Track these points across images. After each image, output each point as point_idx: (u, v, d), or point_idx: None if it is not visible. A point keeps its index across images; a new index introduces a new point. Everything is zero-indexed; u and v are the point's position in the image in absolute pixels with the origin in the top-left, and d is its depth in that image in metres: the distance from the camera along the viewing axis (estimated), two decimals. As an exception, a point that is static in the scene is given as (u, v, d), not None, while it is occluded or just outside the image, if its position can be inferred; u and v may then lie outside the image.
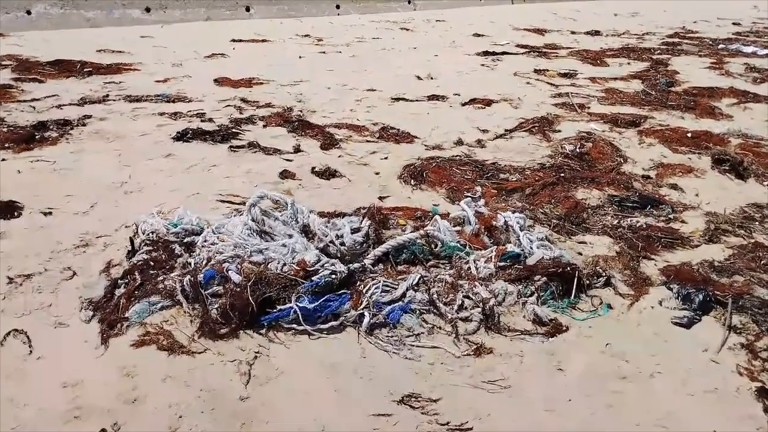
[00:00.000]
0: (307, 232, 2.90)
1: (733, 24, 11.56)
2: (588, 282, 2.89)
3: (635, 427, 2.09)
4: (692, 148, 4.70)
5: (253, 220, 2.77)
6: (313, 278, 2.57)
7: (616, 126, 5.25)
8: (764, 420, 2.11)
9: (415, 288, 2.69)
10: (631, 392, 2.25)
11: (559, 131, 5.15)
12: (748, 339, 2.51)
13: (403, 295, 2.63)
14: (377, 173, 4.20)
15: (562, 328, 2.60)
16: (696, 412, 2.15)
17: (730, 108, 5.81)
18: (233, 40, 8.83)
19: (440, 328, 2.55)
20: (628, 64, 7.79)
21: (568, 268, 2.83)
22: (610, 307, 2.76)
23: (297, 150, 4.50)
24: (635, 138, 4.99)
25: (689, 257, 3.18)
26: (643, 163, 4.49)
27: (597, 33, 10.33)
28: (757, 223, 3.57)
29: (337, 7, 12.59)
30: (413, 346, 2.44)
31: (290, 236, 2.77)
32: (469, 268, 2.85)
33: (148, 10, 10.96)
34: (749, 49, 8.48)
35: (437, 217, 3.18)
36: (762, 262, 3.11)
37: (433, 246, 3.00)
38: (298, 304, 2.44)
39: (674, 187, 4.09)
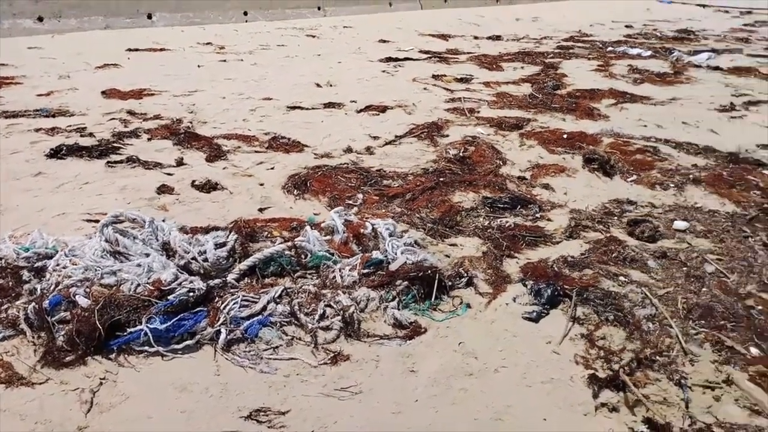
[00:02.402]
0: (167, 249, 2.86)
1: (626, 27, 12.30)
2: (450, 283, 3.01)
3: (473, 422, 2.19)
4: (567, 149, 4.98)
5: (106, 240, 2.70)
6: (168, 297, 2.54)
7: (501, 129, 5.48)
8: (592, 405, 2.27)
9: (277, 300, 2.71)
10: (475, 388, 2.36)
11: (447, 136, 5.32)
12: (588, 329, 2.69)
13: (264, 308, 2.64)
14: (261, 184, 4.19)
15: (421, 329, 2.69)
16: (532, 402, 2.29)
17: (608, 108, 6.19)
18: (129, 50, 8.55)
19: (300, 339, 2.58)
20: (522, 68, 8.13)
21: (429, 271, 2.93)
22: (468, 306, 2.88)
23: (180, 163, 4.41)
24: (517, 140, 5.23)
25: (549, 254, 3.36)
26: (521, 164, 4.71)
27: (498, 38, 10.72)
28: (615, 218, 3.83)
29: (245, 13, 12.43)
30: (270, 359, 2.45)
31: (147, 255, 2.72)
32: (335, 276, 2.90)
33: (41, 19, 10.42)
34: (635, 51, 9.06)
35: (307, 227, 3.22)
36: (613, 255, 3.33)
37: (302, 257, 3.03)
38: (148, 325, 2.40)
39: (546, 186, 4.32)
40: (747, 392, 2.27)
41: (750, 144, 5.11)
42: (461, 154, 4.80)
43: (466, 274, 3.07)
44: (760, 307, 2.83)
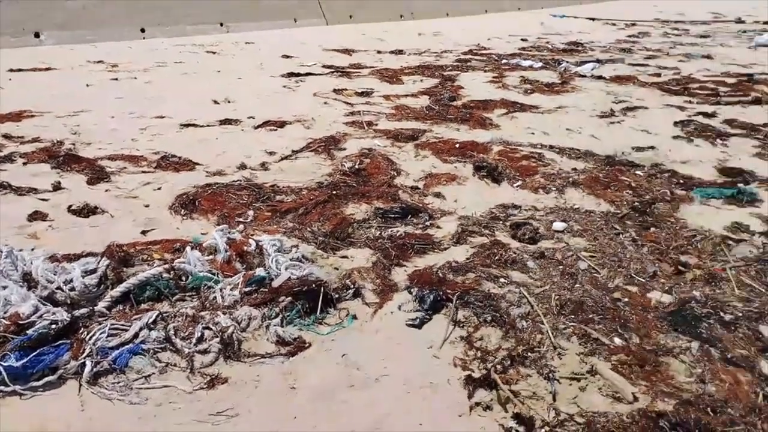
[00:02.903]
0: (29, 280, 2.67)
1: (521, 40, 12.93)
2: (337, 295, 3.01)
3: (351, 434, 2.19)
4: (459, 158, 5.13)
5: (-45, 275, 2.49)
6: (27, 332, 2.37)
7: (397, 141, 5.58)
8: (467, 406, 2.32)
9: (151, 326, 2.60)
10: (356, 400, 2.36)
11: (344, 149, 5.35)
12: (468, 331, 2.77)
13: (135, 335, 2.52)
14: (146, 206, 4.03)
15: (305, 345, 2.67)
16: (410, 409, 2.31)
17: (500, 118, 6.45)
18: (11, 70, 8.01)
19: (175, 365, 2.48)
20: (421, 81, 8.35)
21: (315, 285, 2.91)
22: (355, 317, 2.89)
23: (57, 187, 4.17)
24: (412, 151, 5.34)
25: (436, 260, 3.44)
26: (415, 174, 4.81)
27: (400, 52, 10.95)
28: (500, 222, 3.98)
29: (142, 30, 12.00)
30: (141, 388, 2.34)
31: (4, 288, 2.53)
32: (215, 297, 2.83)
33: None
34: (527, 63, 9.53)
35: (188, 248, 3.12)
36: (495, 258, 3.46)
37: (181, 279, 2.93)
38: (2, 363, 2.23)
39: (438, 195, 4.43)
40: (609, 380, 2.40)
41: (626, 147, 5.49)
42: (356, 166, 4.83)
43: (353, 286, 3.08)
44: (626, 299, 3.03)
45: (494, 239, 3.70)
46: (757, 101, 7.00)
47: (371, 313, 2.93)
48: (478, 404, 2.32)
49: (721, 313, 2.84)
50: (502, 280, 3.21)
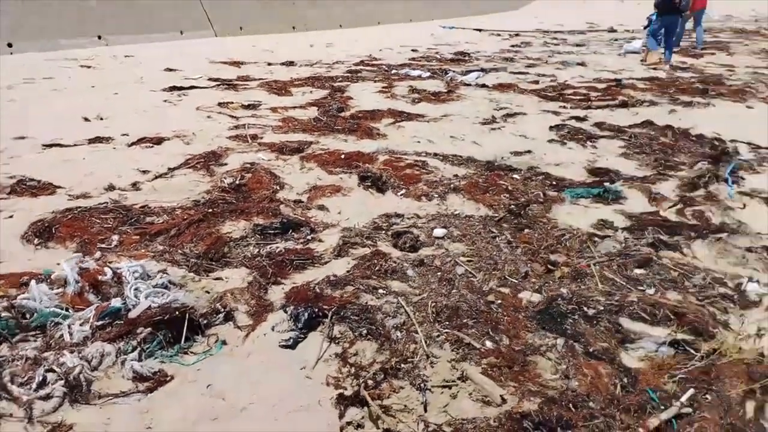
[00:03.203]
0: None
1: (412, 51, 13.20)
2: (206, 321, 2.83)
3: (210, 471, 2.04)
4: (345, 169, 5.09)
5: None
6: None
7: (282, 154, 5.45)
8: (338, 426, 2.24)
9: (-17, 374, 2.30)
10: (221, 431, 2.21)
11: (226, 164, 5.14)
12: (343, 347, 2.69)
13: (-39, 387, 2.22)
14: (-7, 237, 3.63)
15: (167, 378, 2.48)
16: (278, 435, 2.20)
17: (387, 128, 6.49)
18: None
19: (11, 415, 2.21)
20: (311, 92, 8.26)
21: (178, 313, 2.72)
22: (224, 343, 2.73)
23: None
24: (297, 164, 5.23)
25: (316, 275, 3.35)
26: (300, 187, 4.70)
27: (291, 64, 10.82)
28: (383, 232, 3.96)
29: (9, 45, 11.04)
30: (-34, 447, 2.06)
31: None
32: (62, 334, 2.56)
33: None
34: (416, 73, 9.72)
35: (32, 282, 2.82)
36: (376, 268, 3.42)
37: (25, 317, 2.64)
38: None
39: (322, 207, 4.34)
40: (479, 385, 2.41)
41: (505, 152, 5.69)
42: (237, 182, 4.65)
43: (224, 309, 2.92)
44: (499, 301, 3.08)
45: (376, 250, 3.67)
46: (623, 104, 7.54)
47: (243, 336, 2.78)
48: (349, 423, 2.25)
49: (585, 308, 2.96)
50: (380, 291, 3.17)
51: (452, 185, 4.74)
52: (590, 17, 21.65)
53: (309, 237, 3.84)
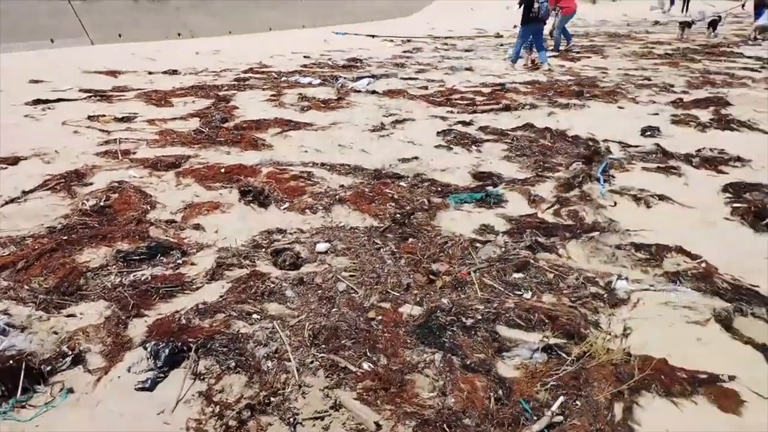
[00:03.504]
0: None
1: (305, 57, 12.99)
2: (50, 367, 2.51)
3: None
4: (225, 183, 4.82)
5: None
6: None
7: (156, 170, 5.08)
8: (197, 476, 2.03)
9: None
10: (56, 501, 1.93)
11: (91, 184, 4.71)
12: (209, 384, 2.47)
13: None
14: None
15: (-4, 441, 2.15)
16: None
17: (273, 138, 6.27)
18: None
19: None
20: (193, 102, 7.85)
21: (12, 362, 2.39)
22: (71, 391, 2.42)
23: None
24: (173, 180, 4.89)
25: (186, 303, 3.09)
26: (174, 206, 4.38)
27: (175, 72, 10.27)
28: (263, 250, 3.76)
29: None
30: None
31: None
32: None
33: None
34: (306, 80, 9.54)
35: None
36: (252, 291, 3.22)
37: None
38: None
39: (197, 227, 4.07)
40: (353, 412, 2.29)
41: (393, 159, 5.66)
42: (101, 203, 4.25)
43: (72, 351, 2.60)
44: (380, 317, 2.99)
45: (254, 270, 3.46)
46: (506, 108, 7.79)
47: (93, 381, 2.48)
48: (209, 472, 2.04)
49: (464, 319, 2.93)
50: (255, 316, 2.97)
51: (338, 196, 4.61)
52: (479, 23, 22.47)
53: (180, 261, 3.57)
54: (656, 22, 25.86)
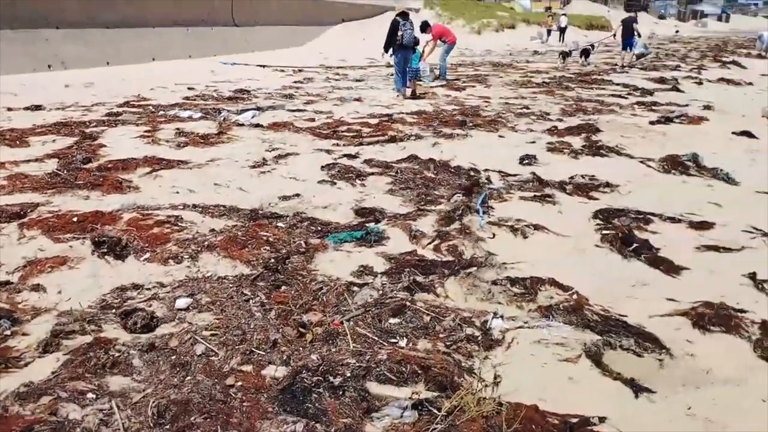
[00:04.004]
0: None
1: (189, 89, 12.43)
2: None
3: None
4: (77, 234, 4.32)
5: None
6: None
7: (-5, 222, 4.48)
8: None
9: None
10: None
11: None
12: (20, 492, 2.06)
13: None
14: None
15: None
16: None
17: (141, 178, 5.80)
18: None
19: None
20: (54, 141, 7.16)
21: None
22: None
23: None
24: (15, 233, 4.32)
25: (7, 385, 2.63)
26: (12, 264, 3.84)
27: (38, 108, 9.41)
28: (113, 311, 3.34)
29: None
30: None
31: None
32: None
33: None
34: (186, 114, 9.07)
35: None
36: (92, 363, 2.81)
37: None
38: None
39: (37, 287, 3.57)
40: None
41: (273, 197, 5.39)
42: None
43: None
44: (239, 383, 2.70)
45: (98, 337, 3.05)
46: (392, 139, 7.78)
47: None
48: None
49: (331, 378, 2.71)
50: (90, 395, 2.57)
51: (207, 242, 4.26)
52: (371, 53, 22.83)
53: (8, 331, 3.07)
54: (535, 52, 27.68)
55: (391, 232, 4.67)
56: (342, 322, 3.19)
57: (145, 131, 7.85)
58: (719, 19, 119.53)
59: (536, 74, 17.08)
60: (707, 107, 11.08)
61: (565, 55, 20.27)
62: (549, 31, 35.06)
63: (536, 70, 18.46)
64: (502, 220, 4.97)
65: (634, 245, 4.46)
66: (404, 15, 11.36)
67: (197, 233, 4.45)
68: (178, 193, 5.43)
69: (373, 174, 6.29)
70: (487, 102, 11.51)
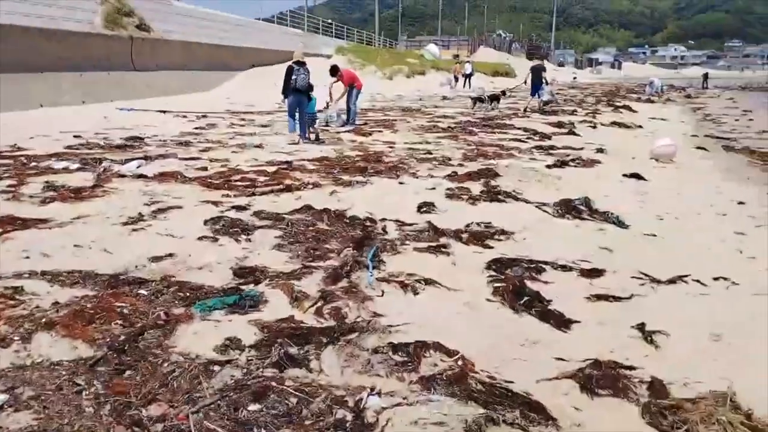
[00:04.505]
0: None
1: (75, 137, 11.51)
2: None
3: None
4: None
5: None
6: None
7: None
8: None
9: None
10: None
11: None
12: None
13: None
14: None
15: None
16: None
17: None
18: None
19: None
20: None
21: None
22: None
23: None
24: None
25: None
26: None
27: None
28: None
29: None
30: None
31: None
32: None
33: None
34: (62, 164, 8.25)
35: None
36: None
37: None
38: None
39: None
40: None
41: (143, 258, 4.83)
42: None
43: None
44: None
45: None
46: (288, 188, 7.40)
47: None
48: None
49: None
50: None
51: (45, 319, 3.65)
52: (280, 98, 22.55)
53: None
54: (444, 97, 28.55)
55: (271, 294, 4.25)
56: (188, 416, 2.71)
57: (8, 186, 7.03)
58: (612, 66, 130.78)
59: (443, 119, 17.42)
60: (600, 150, 11.57)
61: (476, 100, 21.09)
62: (457, 78, 36.46)
63: (443, 115, 18.87)
64: (392, 276, 4.68)
65: (526, 298, 4.29)
66: (299, 63, 11.52)
67: (37, 308, 3.81)
68: (28, 258, 4.75)
69: (262, 227, 5.86)
70: (391, 147, 11.44)
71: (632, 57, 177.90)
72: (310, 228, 5.87)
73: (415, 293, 4.41)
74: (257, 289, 4.30)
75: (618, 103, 25.07)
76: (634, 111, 22.52)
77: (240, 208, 6.47)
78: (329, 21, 50.00)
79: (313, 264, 4.86)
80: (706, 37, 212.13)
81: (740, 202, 7.69)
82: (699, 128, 18.90)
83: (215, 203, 6.66)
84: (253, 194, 7.12)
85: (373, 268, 4.77)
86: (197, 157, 9.66)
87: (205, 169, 8.60)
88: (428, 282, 4.56)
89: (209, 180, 7.78)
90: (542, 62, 25.45)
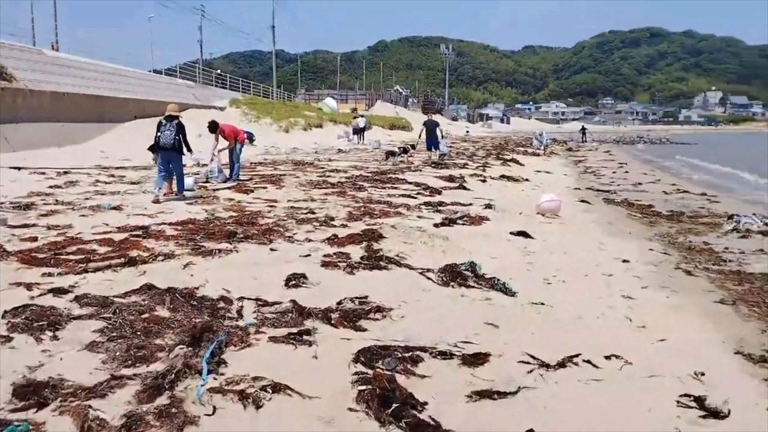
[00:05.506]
0: None
1: None
2: None
3: None
4: None
5: None
6: None
7: None
8: None
9: None
10: None
11: None
12: None
13: None
14: None
15: None
16: None
17: None
18: None
19: None
20: None
21: None
22: None
23: None
24: None
25: None
26: None
27: None
28: None
29: None
30: None
31: None
32: None
33: None
34: None
35: None
36: None
37: None
38: None
39: None
40: None
41: None
42: None
43: None
44: None
45: None
46: (131, 262, 6.23)
47: None
48: None
49: None
50: None
51: None
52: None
53: None
54: (340, 150, 28.19)
55: (56, 423, 3.13)
56: None
57: None
58: (502, 120, 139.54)
59: (334, 173, 16.79)
60: (489, 206, 11.33)
61: (389, 154, 21.80)
62: (354, 131, 36.49)
63: (335, 169, 18.27)
64: (232, 381, 3.71)
65: (395, 406, 3.47)
66: (170, 117, 10.60)
67: None
68: None
69: (79, 317, 4.67)
70: (272, 206, 10.51)
71: (518, 112, 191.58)
72: (144, 316, 4.76)
73: (258, 407, 3.46)
74: (35, 417, 3.16)
75: (507, 156, 25.87)
76: (521, 164, 23.23)
77: (60, 292, 5.23)
78: (222, 73, 48.95)
79: (128, 372, 3.77)
80: (581, 95, 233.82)
81: (624, 260, 7.49)
82: (581, 180, 19.66)
83: (29, 286, 5.36)
84: (85, 271, 5.88)
85: (209, 372, 3.77)
86: (33, 223, 8.18)
87: (35, 239, 7.18)
88: (277, 389, 3.63)
89: (33, 254, 6.41)
90: (434, 117, 26.05)
